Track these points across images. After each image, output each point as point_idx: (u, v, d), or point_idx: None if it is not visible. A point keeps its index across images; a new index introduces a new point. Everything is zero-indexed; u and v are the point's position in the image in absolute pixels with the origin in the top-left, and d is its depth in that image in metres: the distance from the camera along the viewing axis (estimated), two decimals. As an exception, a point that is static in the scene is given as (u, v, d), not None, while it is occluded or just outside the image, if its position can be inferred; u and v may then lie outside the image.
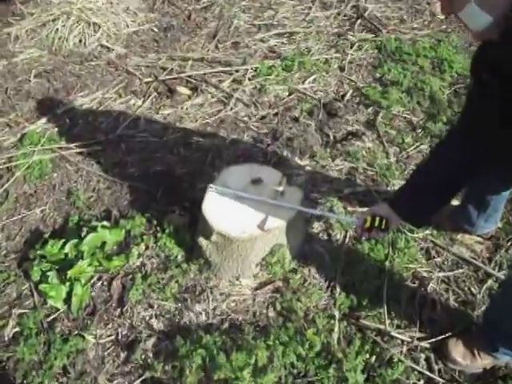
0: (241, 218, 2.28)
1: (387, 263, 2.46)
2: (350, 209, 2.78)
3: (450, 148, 1.86)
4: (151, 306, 2.36)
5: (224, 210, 2.31)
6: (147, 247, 2.54)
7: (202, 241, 2.31)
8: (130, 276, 2.46)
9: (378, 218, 2.03)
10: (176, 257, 2.50)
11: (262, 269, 2.37)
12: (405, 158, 3.14)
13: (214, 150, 3.28)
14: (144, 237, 2.56)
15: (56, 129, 3.40)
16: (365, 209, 2.76)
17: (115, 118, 3.51)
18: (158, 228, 2.60)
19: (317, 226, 2.65)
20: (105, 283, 2.47)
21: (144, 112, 3.57)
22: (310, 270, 2.43)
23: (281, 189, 2.40)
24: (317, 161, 3.15)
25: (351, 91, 3.69)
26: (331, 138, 3.36)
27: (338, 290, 2.38)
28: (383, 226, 2.02)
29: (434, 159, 1.95)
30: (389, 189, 2.89)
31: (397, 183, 2.92)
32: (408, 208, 2.00)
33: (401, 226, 2.61)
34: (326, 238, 2.58)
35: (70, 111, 3.56)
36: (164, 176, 3.06)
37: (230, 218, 2.28)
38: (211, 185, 2.41)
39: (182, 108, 3.61)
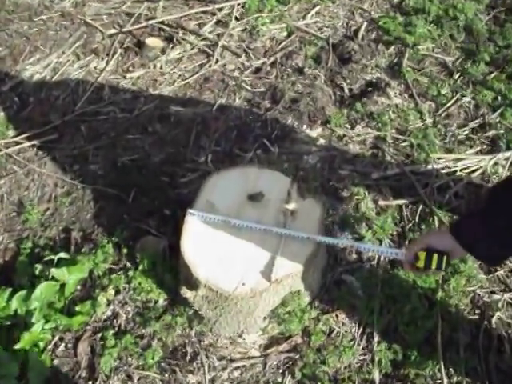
0: (237, 260, 1.51)
1: (440, 293, 1.69)
2: (382, 203, 1.98)
3: None
4: (130, 378, 1.65)
5: (211, 248, 1.54)
6: (118, 291, 1.79)
7: (187, 292, 1.55)
8: (100, 334, 1.73)
9: (435, 256, 1.27)
10: (156, 302, 1.76)
11: (272, 320, 1.62)
12: (444, 118, 2.28)
13: (198, 122, 2.43)
14: (112, 276, 1.80)
15: (2, 113, 2.53)
16: (400, 201, 1.97)
17: (73, 90, 2.62)
18: (129, 262, 1.83)
19: (342, 238, 1.86)
20: (69, 345, 1.75)
21: (108, 78, 2.67)
22: (337, 316, 1.67)
23: (291, 206, 1.60)
24: (332, 129, 2.31)
25: (365, 24, 2.75)
26: (346, 92, 2.49)
27: (377, 338, 1.63)
28: (443, 266, 1.26)
29: None
30: (429, 167, 2.07)
31: (437, 158, 2.10)
32: (486, 246, 1.21)
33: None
34: (354, 257, 1.81)
35: (18, 86, 2.66)
36: (136, 169, 2.24)
37: (220, 263, 1.50)
38: (191, 210, 1.61)
39: (154, 67, 2.71)
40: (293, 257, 1.48)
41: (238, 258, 1.50)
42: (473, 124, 2.24)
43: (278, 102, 2.46)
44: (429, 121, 2.26)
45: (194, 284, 1.52)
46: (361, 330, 1.66)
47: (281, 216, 1.58)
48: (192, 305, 1.60)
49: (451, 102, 2.32)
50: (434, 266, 1.27)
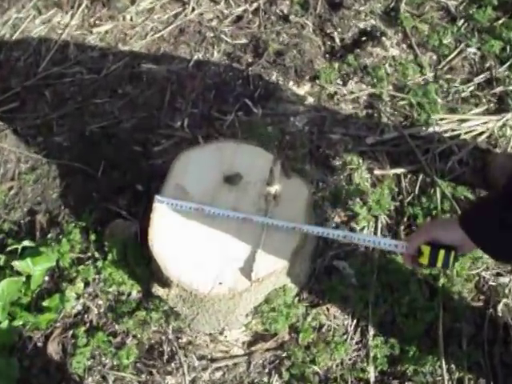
0: (212, 255, 1.31)
1: (442, 280, 1.51)
2: (377, 172, 1.77)
3: None
4: (105, 379, 1.50)
5: (183, 241, 1.34)
6: (87, 283, 1.61)
7: (159, 290, 1.37)
8: (71, 332, 1.56)
9: (442, 252, 1.08)
10: (129, 295, 1.58)
11: (255, 316, 1.45)
12: (446, 72, 2.03)
13: (172, 80, 2.18)
14: (80, 267, 1.61)
15: (-43, 81, 2.27)
16: (398, 170, 1.77)
17: (35, 50, 2.33)
18: (98, 251, 1.64)
19: (333, 216, 1.66)
20: (38, 345, 1.58)
21: (74, 33, 2.37)
22: (328, 309, 1.49)
23: (273, 189, 1.39)
24: (321, 85, 2.06)
25: (358, -37, 2.43)
26: (337, 42, 2.22)
27: (372, 332, 1.47)
28: (450, 264, 1.07)
29: None
30: (430, 130, 1.84)
31: (439, 119, 1.87)
32: (502, 242, 1.02)
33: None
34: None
35: (-26, 48, 2.39)
36: (105, 138, 2.01)
37: (194, 258, 1.31)
38: (159, 196, 1.40)
39: (124, 19, 2.41)
40: (276, 250, 1.29)
41: (214, 253, 1.31)
42: (478, 79, 1.99)
43: (262, 55, 2.20)
44: (429, 75, 2.01)
45: (165, 282, 1.34)
46: (354, 322, 1.49)
47: (262, 201, 1.38)
48: (166, 302, 1.42)
49: (454, 53, 2.06)
50: (439, 264, 1.08)
